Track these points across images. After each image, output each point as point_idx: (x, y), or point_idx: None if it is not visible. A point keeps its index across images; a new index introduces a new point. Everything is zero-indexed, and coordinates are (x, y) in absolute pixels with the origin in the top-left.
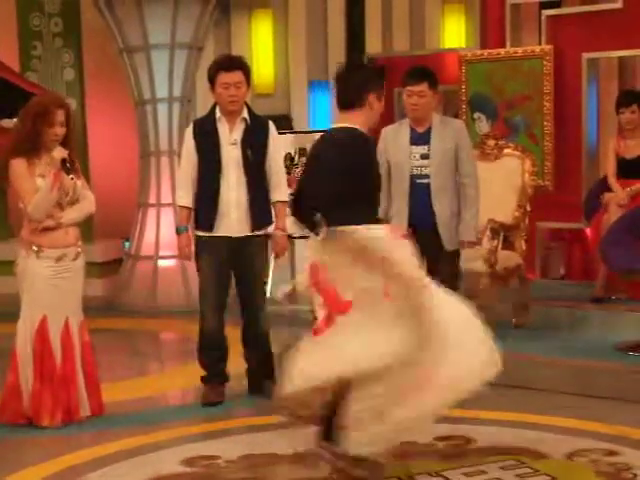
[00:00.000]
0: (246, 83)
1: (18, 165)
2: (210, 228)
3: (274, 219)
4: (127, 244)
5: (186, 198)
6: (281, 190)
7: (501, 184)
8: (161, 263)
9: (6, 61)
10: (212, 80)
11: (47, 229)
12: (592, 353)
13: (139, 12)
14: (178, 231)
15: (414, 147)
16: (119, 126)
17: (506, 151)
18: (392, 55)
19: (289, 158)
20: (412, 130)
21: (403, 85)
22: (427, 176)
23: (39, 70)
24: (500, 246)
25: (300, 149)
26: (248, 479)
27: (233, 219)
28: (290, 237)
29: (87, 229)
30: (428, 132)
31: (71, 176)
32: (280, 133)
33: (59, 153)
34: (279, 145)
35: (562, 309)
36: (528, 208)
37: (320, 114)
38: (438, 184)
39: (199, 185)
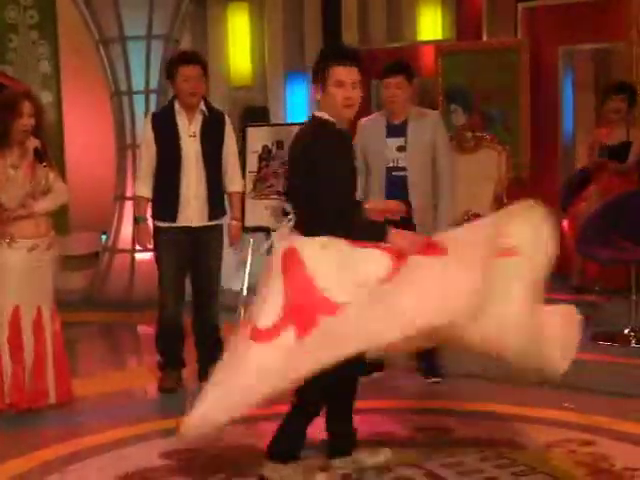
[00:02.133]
0: (203, 76)
1: None
2: (171, 218)
3: (228, 209)
4: (104, 237)
5: (145, 189)
6: (236, 181)
7: (477, 176)
8: (138, 256)
9: None
10: (172, 73)
11: (19, 218)
12: None
13: (115, 4)
14: (137, 220)
15: (390, 139)
16: (96, 118)
17: (483, 143)
18: (369, 47)
19: (266, 151)
20: (388, 122)
21: (381, 78)
22: (403, 168)
23: (15, 63)
24: None
25: (277, 142)
26: (227, 472)
27: (192, 209)
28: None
29: (64, 222)
30: (404, 124)
31: (44, 164)
32: (257, 125)
33: (31, 143)
34: (234, 137)
35: None
36: (504, 199)
37: (297, 106)
38: (414, 176)
39: (158, 176)
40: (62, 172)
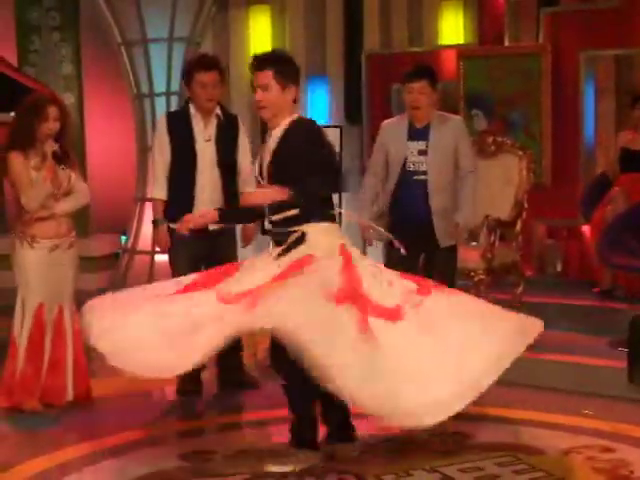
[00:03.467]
0: (221, 82)
1: (15, 158)
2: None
3: None
4: (124, 238)
5: (161, 191)
6: (250, 184)
7: (498, 181)
8: (158, 258)
9: (4, 55)
10: (188, 78)
11: (40, 219)
12: (588, 350)
13: (137, 6)
14: (156, 223)
15: (411, 143)
16: (117, 120)
17: (504, 148)
18: (390, 51)
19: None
20: (411, 126)
21: (404, 82)
22: (424, 172)
23: (37, 64)
24: (497, 242)
25: None
26: (244, 473)
27: None
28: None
29: (84, 223)
30: (427, 128)
31: (62, 166)
32: None
33: (49, 146)
34: (247, 140)
35: (558, 306)
36: (525, 205)
37: (318, 109)
38: (435, 181)
39: (173, 179)
40: (83, 174)
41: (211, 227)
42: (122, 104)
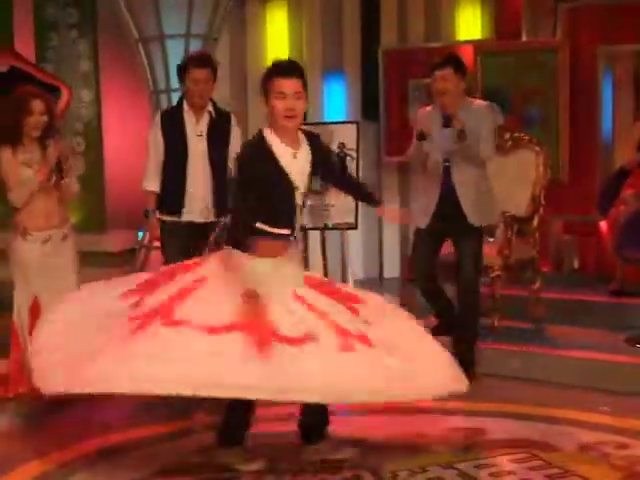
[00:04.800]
0: (213, 79)
1: (2, 154)
2: (176, 214)
3: None
4: (140, 234)
5: (154, 183)
6: None
7: (515, 176)
8: None
9: (22, 52)
10: (183, 74)
11: (31, 211)
12: (605, 346)
13: (154, 2)
14: (147, 214)
15: (444, 130)
16: (134, 116)
17: (521, 143)
18: (407, 47)
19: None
20: (442, 113)
21: (431, 71)
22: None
23: (55, 61)
24: (514, 238)
25: None
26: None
27: (197, 206)
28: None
29: (101, 219)
30: (454, 115)
31: (64, 180)
32: None
33: (53, 152)
34: (239, 137)
35: (575, 302)
36: (542, 201)
37: (335, 104)
38: (463, 165)
39: (165, 172)
40: (100, 169)
41: (199, 220)
42: (139, 100)
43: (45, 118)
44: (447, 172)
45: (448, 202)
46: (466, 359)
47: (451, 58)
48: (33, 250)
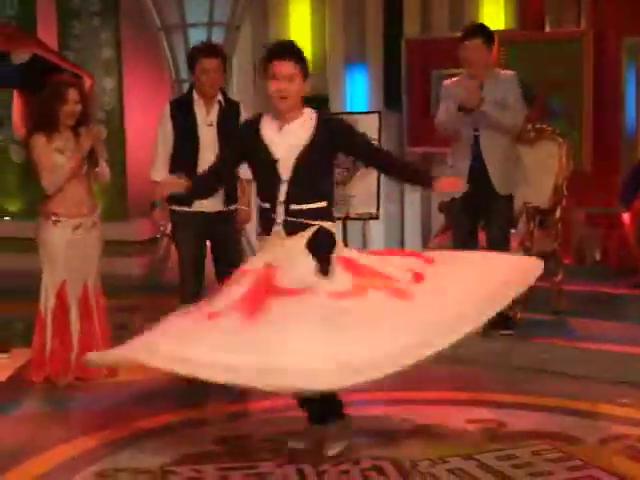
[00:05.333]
0: (222, 69)
1: (36, 140)
2: (187, 204)
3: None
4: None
5: (162, 174)
6: (247, 169)
7: (538, 168)
8: None
9: (45, 40)
10: (193, 64)
11: (63, 198)
12: (626, 339)
13: None
14: (155, 205)
15: None
16: (156, 105)
17: (544, 134)
18: (430, 37)
19: None
20: None
21: (460, 41)
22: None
23: (77, 49)
24: (536, 230)
25: None
26: (279, 458)
27: None
28: None
29: (123, 208)
30: (482, 85)
31: (96, 169)
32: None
33: (87, 141)
34: None
35: (597, 294)
36: (565, 192)
37: (357, 95)
38: (488, 134)
39: (175, 162)
40: (122, 158)
41: (209, 209)
42: (161, 89)
43: (79, 107)
44: (476, 141)
45: (478, 172)
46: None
47: (481, 28)
48: (63, 236)
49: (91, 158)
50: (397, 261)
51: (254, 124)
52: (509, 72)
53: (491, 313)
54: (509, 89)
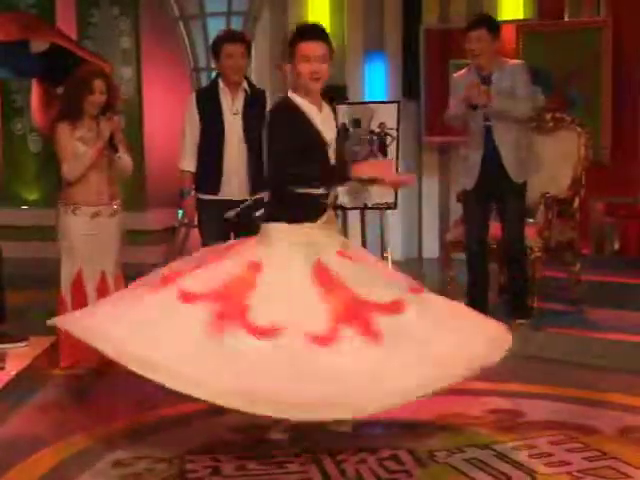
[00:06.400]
0: (246, 55)
1: (61, 129)
2: (213, 192)
3: None
4: (181, 212)
5: (190, 163)
6: None
7: (556, 157)
8: None
9: (64, 28)
10: (217, 51)
11: (82, 186)
12: None
13: None
14: (184, 194)
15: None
16: (174, 94)
17: (562, 124)
18: (449, 26)
19: (344, 128)
20: (478, 74)
21: (464, 32)
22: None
23: (96, 38)
24: (554, 220)
25: (355, 120)
26: (297, 448)
27: (234, 183)
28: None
29: (141, 197)
30: (490, 75)
31: (118, 154)
32: (336, 104)
33: (107, 127)
34: None
35: (615, 285)
36: (583, 182)
37: (375, 84)
38: (501, 122)
39: (202, 151)
40: (140, 148)
41: (236, 197)
42: (180, 78)
43: (105, 97)
44: (489, 132)
45: (491, 162)
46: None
47: (484, 18)
48: (82, 224)
49: (111, 146)
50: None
51: (296, 109)
52: (517, 61)
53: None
54: (517, 79)
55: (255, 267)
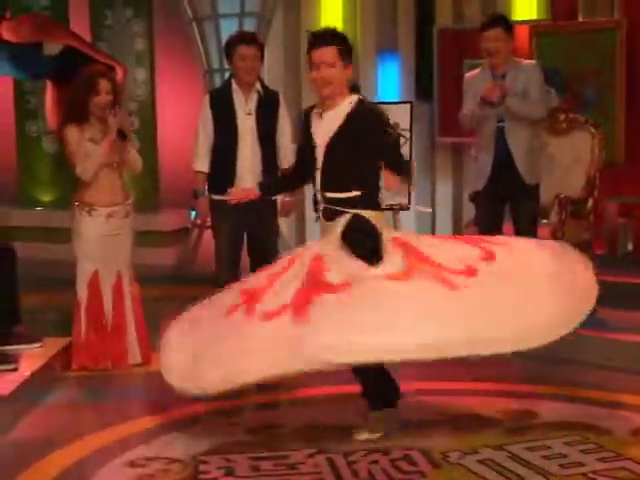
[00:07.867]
0: (259, 57)
1: (70, 131)
2: (227, 192)
3: None
4: (194, 213)
5: (203, 164)
6: (289, 159)
7: (570, 158)
8: None
9: (78, 30)
10: (230, 53)
11: (96, 188)
12: None
13: None
14: (197, 194)
15: None
16: (188, 95)
17: (576, 125)
18: (462, 26)
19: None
20: (492, 74)
21: (480, 31)
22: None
23: (109, 40)
24: (568, 220)
25: None
26: (311, 448)
27: (247, 183)
28: None
29: (154, 198)
30: (504, 74)
31: (129, 141)
32: None
33: (114, 122)
34: (287, 117)
35: (629, 285)
36: (597, 183)
37: (389, 84)
38: (513, 123)
39: (216, 152)
40: (153, 148)
41: None
42: (193, 79)
43: (110, 97)
44: (501, 132)
45: (503, 163)
46: None
47: (500, 17)
48: (97, 225)
49: (121, 141)
50: (454, 252)
51: (308, 110)
52: (531, 62)
53: (526, 345)
54: (530, 79)
55: None
